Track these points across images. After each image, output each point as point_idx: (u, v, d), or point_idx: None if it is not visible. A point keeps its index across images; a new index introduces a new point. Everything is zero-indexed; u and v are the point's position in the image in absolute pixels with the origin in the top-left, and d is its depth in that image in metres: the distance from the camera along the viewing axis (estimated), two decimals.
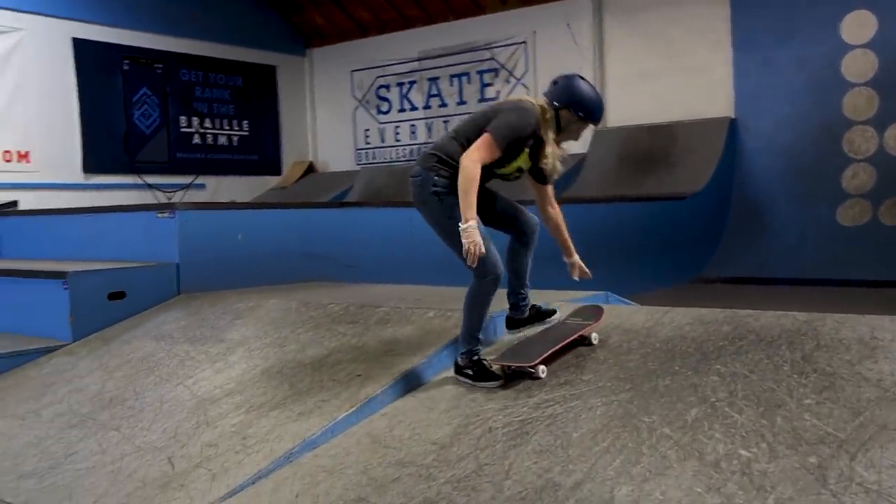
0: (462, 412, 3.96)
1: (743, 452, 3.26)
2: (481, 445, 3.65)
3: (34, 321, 5.99)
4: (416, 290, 5.98)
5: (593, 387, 3.99)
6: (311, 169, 16.19)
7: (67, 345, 5.71)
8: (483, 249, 3.99)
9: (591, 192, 11.87)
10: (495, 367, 4.19)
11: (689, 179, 11.74)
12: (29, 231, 7.74)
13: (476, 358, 4.24)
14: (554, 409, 3.83)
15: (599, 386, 3.98)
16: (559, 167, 4.28)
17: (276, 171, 16.06)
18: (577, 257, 4.58)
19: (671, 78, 12.64)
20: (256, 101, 15.82)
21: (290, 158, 16.29)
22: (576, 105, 4.19)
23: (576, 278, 4.58)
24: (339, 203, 8.31)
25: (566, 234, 4.53)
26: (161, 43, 14.40)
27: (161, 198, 13.91)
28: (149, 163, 14.14)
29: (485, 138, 4.06)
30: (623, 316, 4.85)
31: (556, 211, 4.47)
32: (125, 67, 14.00)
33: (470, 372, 4.23)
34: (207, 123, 15.10)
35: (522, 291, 4.51)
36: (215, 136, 15.21)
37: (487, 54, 14.37)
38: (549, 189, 4.45)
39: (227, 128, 15.41)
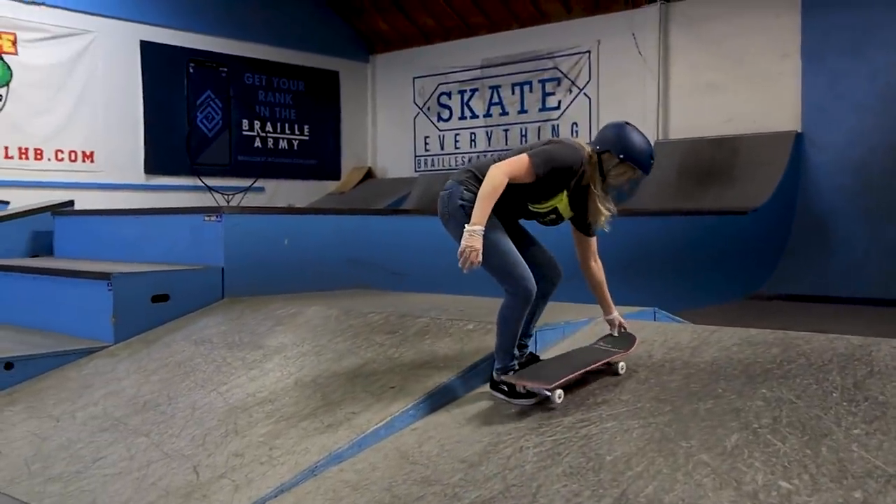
0: (494, 430, 3.83)
1: (783, 484, 3.08)
2: (510, 465, 3.51)
3: (78, 322, 6.01)
4: (461, 301, 5.85)
5: (632, 407, 3.83)
6: (369, 175, 16.21)
7: (109, 346, 5.70)
8: (480, 258, 3.80)
9: (649, 205, 11.67)
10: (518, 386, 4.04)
11: (751, 194, 11.49)
12: (82, 231, 7.79)
13: (512, 373, 4.10)
14: (589, 430, 3.68)
15: (638, 407, 3.82)
16: (605, 216, 4.04)
17: (335, 176, 16.12)
18: (616, 314, 4.39)
19: (736, 89, 12.40)
20: (318, 105, 15.90)
21: (350, 164, 16.32)
22: (617, 146, 3.96)
23: (615, 334, 4.39)
24: (389, 210, 8.23)
25: (606, 292, 4.35)
26: (226, 46, 14.57)
27: (220, 200, 14.02)
28: (209, 165, 14.29)
29: (521, 157, 3.92)
30: (668, 333, 4.67)
31: (598, 265, 4.29)
32: (190, 70, 14.18)
33: (505, 388, 4.10)
34: (269, 127, 15.21)
35: (523, 340, 4.28)
36: (276, 140, 15.31)
37: (550, 63, 14.22)
38: (593, 242, 4.25)
39: (289, 132, 15.50)
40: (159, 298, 5.93)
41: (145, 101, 13.51)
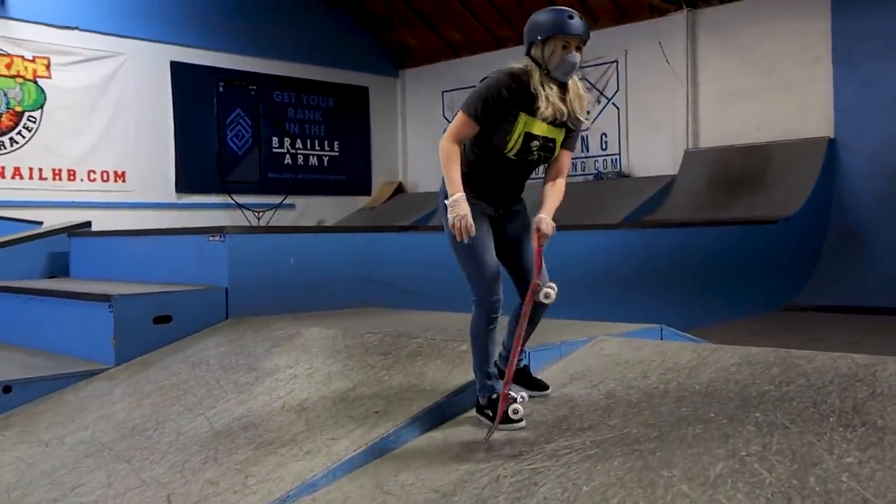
0: (473, 457, 3.66)
1: None
2: (484, 496, 3.34)
3: (81, 344, 5.95)
4: (463, 319, 5.69)
5: (618, 433, 3.63)
6: (400, 189, 16.16)
7: (110, 369, 5.63)
8: (471, 221, 3.60)
9: (679, 216, 11.49)
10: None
11: (783, 202, 11.22)
12: (96, 252, 7.78)
13: (495, 397, 3.92)
14: (570, 458, 3.49)
15: (624, 433, 3.63)
16: (583, 99, 3.84)
17: (366, 191, 16.07)
18: (544, 216, 3.80)
19: (766, 96, 12.14)
20: (348, 121, 15.87)
21: (380, 179, 16.28)
22: (531, 34, 3.74)
23: (534, 245, 3.84)
24: (397, 227, 8.12)
25: (551, 200, 3.88)
26: (255, 65, 14.59)
27: (251, 217, 14.03)
28: (240, 183, 14.29)
29: (457, 115, 3.76)
30: (668, 353, 4.47)
31: (555, 185, 3.88)
32: (220, 89, 14.22)
33: (490, 413, 3.92)
34: (299, 144, 15.21)
35: (490, 375, 3.98)
36: (306, 156, 15.30)
37: (578, 74, 14.00)
38: (564, 159, 3.89)
39: (318, 148, 15.48)
40: (161, 320, 5.85)
41: (175, 121, 13.55)
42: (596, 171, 13.90)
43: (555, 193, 3.89)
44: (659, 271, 9.37)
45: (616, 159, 13.76)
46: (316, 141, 15.46)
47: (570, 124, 3.85)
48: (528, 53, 3.78)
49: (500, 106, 3.71)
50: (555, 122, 3.79)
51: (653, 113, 13.22)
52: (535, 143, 3.78)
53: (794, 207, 11.05)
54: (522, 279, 3.97)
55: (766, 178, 11.69)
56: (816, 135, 11.59)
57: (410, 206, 15.07)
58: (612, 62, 13.76)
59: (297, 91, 15.23)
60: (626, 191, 12.91)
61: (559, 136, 3.83)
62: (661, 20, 13.15)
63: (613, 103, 13.79)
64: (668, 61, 12.98)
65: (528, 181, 4.02)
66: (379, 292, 6.89)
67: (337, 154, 15.72)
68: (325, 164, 15.56)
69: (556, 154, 3.85)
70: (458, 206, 3.63)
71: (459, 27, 15.40)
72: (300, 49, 15.03)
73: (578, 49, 3.75)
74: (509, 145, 3.74)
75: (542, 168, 4.03)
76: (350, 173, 15.90)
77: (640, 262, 9.21)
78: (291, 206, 14.81)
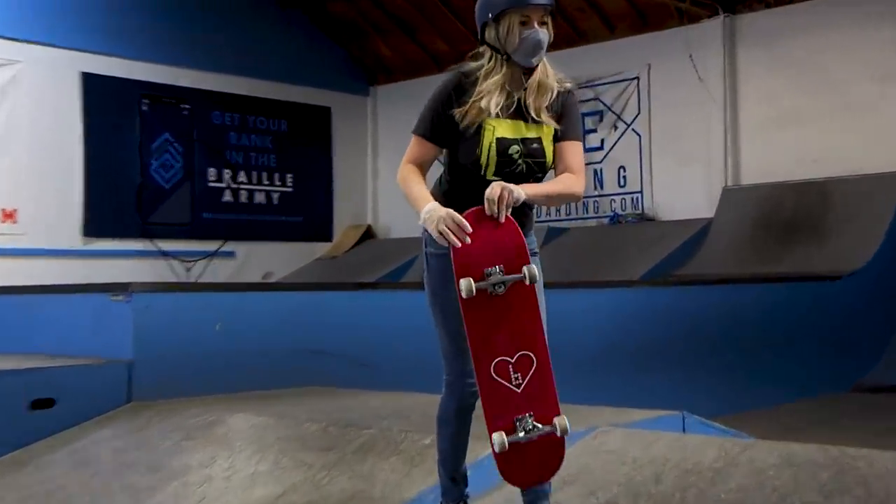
0: None
1: None
2: None
3: None
4: (432, 402, 5.56)
5: None
6: (368, 234, 16.10)
7: None
8: (461, 220, 3.40)
9: (715, 270, 11.43)
10: None
11: (846, 254, 11.18)
12: None
13: None
14: None
15: None
16: (529, 105, 3.61)
17: (326, 236, 16.02)
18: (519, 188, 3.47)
19: (825, 121, 12.15)
20: (305, 149, 15.87)
21: (344, 221, 16.24)
22: (482, 14, 3.62)
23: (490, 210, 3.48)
24: (355, 284, 8.05)
25: (543, 185, 3.65)
26: (189, 79, 14.61)
27: (178, 268, 13.93)
28: (166, 225, 14.23)
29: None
30: (689, 450, 4.34)
31: (568, 178, 3.67)
32: (143, 108, 14.22)
33: None
34: (242, 177, 15.16)
35: (455, 475, 3.81)
36: (251, 192, 15.26)
37: (590, 93, 14.07)
38: (569, 154, 3.68)
39: (267, 182, 15.45)
40: (41, 404, 5.72)
41: (86, 147, 13.48)
42: (612, 213, 13.84)
43: (554, 180, 3.69)
44: (687, 340, 9.25)
45: (637, 199, 13.72)
46: (264, 173, 15.40)
47: (534, 115, 3.64)
48: (483, 41, 3.66)
49: (446, 113, 3.62)
50: (526, 117, 3.64)
51: (682, 141, 13.18)
52: (514, 148, 3.60)
53: (861, 260, 10.98)
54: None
55: (826, 223, 11.65)
56: (888, 169, 11.55)
57: (381, 255, 15.01)
58: (633, 79, 13.76)
59: (242, 111, 15.18)
60: (648, 238, 12.85)
61: (544, 133, 3.66)
62: (691, 28, 13.17)
63: (634, 129, 13.77)
64: (700, 78, 12.98)
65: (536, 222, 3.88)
66: (329, 367, 6.81)
67: (290, 190, 15.65)
68: (275, 202, 15.48)
69: (550, 162, 3.66)
70: (435, 211, 3.46)
71: (444, 35, 15.42)
72: (247, 60, 15.00)
73: (543, 24, 3.62)
74: (483, 160, 3.58)
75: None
76: (306, 214, 15.81)
77: (664, 328, 9.09)
78: (230, 254, 14.72)
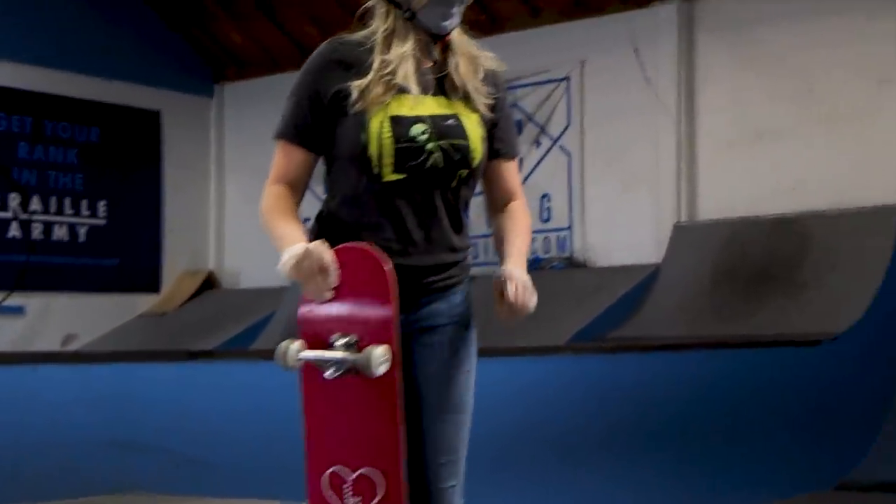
0: None
1: None
2: None
3: None
4: None
5: None
6: (209, 283, 16.17)
7: None
8: (326, 260, 3.27)
9: (664, 331, 11.64)
10: None
11: (830, 311, 11.46)
12: None
13: None
14: None
15: None
16: (466, 82, 3.53)
17: (152, 286, 16.06)
18: (513, 268, 3.50)
19: (805, 137, 12.47)
20: (124, 168, 15.93)
21: (177, 266, 16.32)
22: None
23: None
24: (185, 353, 8.12)
25: (515, 244, 3.64)
26: None
27: None
28: None
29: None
30: None
31: (519, 213, 3.74)
32: None
33: None
34: (35, 204, 15.10)
35: None
36: (48, 225, 15.27)
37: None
38: (505, 172, 3.71)
39: (71, 212, 15.48)
40: None
41: None
42: (532, 257, 13.96)
43: (519, 226, 3.69)
44: (627, 426, 9.41)
45: (565, 238, 13.91)
46: (67, 199, 15.41)
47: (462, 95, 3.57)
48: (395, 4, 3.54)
49: (327, 95, 3.51)
50: (445, 93, 3.57)
51: (624, 163, 13.40)
52: (419, 127, 3.47)
53: (848, 320, 11.21)
54: (419, 474, 3.52)
55: (804, 271, 11.92)
56: (885, 201, 11.86)
57: (227, 309, 15.10)
58: (561, 80, 14.02)
59: (36, 115, 15.17)
60: (578, 289, 13.01)
61: (466, 112, 3.57)
62: (638, 14, 13.43)
63: (561, 146, 14.00)
64: (647, 78, 13.25)
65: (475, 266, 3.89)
66: (147, 466, 6.90)
67: (103, 223, 15.68)
68: (82, 238, 15.49)
69: (480, 154, 3.55)
70: (287, 264, 3.31)
71: (317, 19, 15.46)
72: (43, 45, 14.97)
73: None
74: (373, 149, 3.44)
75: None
76: (125, 256, 15.83)
77: (595, 410, 9.25)
78: (17, 309, 14.66)
